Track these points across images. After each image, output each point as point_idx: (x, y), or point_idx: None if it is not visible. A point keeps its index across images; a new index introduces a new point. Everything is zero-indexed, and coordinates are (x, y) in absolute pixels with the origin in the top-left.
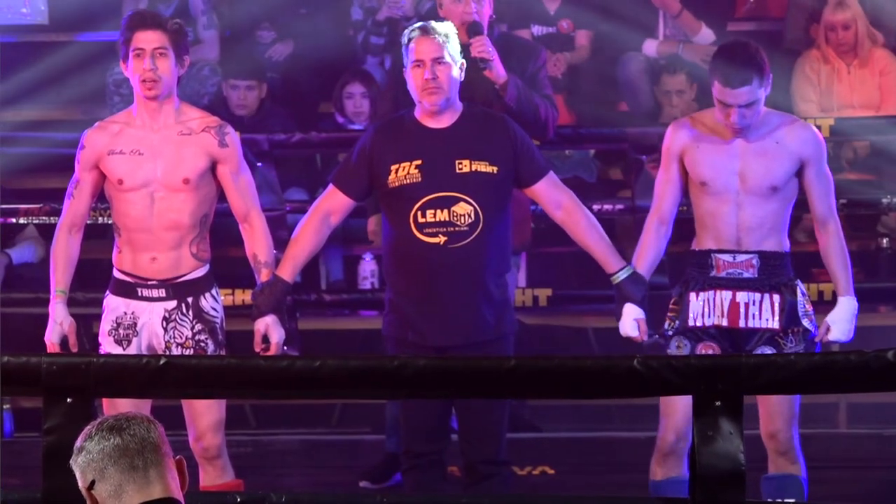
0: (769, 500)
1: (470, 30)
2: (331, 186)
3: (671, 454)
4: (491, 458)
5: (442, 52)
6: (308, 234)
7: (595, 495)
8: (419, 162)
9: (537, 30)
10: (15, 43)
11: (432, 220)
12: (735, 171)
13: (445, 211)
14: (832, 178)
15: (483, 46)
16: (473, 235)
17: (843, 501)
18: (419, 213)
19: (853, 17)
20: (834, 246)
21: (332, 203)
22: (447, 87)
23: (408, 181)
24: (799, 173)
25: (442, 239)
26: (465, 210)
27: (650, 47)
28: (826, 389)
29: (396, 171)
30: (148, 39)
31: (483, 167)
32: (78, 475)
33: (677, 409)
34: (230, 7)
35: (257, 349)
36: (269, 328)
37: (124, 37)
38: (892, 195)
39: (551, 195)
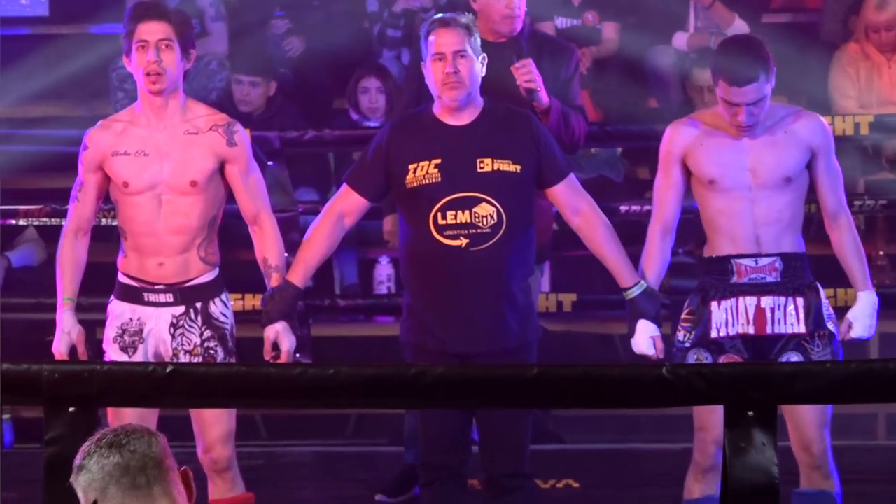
0: None
1: (510, 46)
2: (345, 186)
3: (710, 471)
4: (514, 471)
5: (464, 45)
6: (321, 237)
7: None
8: (438, 161)
9: (561, 22)
10: (13, 35)
11: (453, 221)
12: (745, 166)
13: (467, 212)
14: (841, 171)
15: (529, 75)
16: (496, 238)
17: None
18: (439, 214)
19: None
20: (847, 240)
21: (347, 204)
22: (469, 81)
23: (427, 181)
24: (808, 165)
25: (463, 241)
26: (487, 211)
27: (680, 40)
28: (864, 399)
29: (415, 170)
30: (152, 31)
31: (506, 166)
32: (80, 495)
33: (715, 422)
34: None
35: (267, 357)
36: (280, 335)
37: (127, 29)
38: None
39: (570, 199)
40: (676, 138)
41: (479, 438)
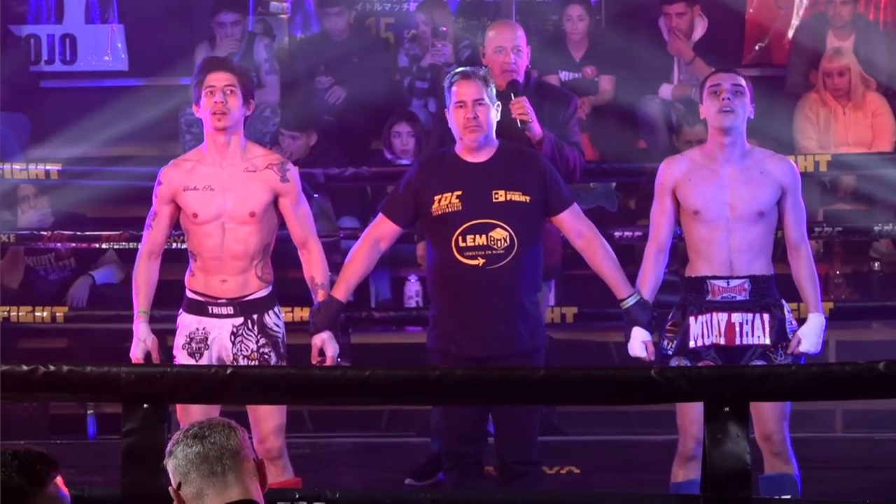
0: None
1: (509, 87)
2: (380, 215)
3: (692, 459)
4: (524, 459)
5: (482, 95)
6: (360, 258)
7: (616, 492)
8: (460, 192)
9: (565, 75)
10: (99, 87)
11: (472, 244)
12: (725, 200)
13: (484, 236)
14: (805, 208)
15: (523, 108)
16: (509, 258)
17: (836, 499)
18: (460, 238)
19: (847, 65)
20: (805, 268)
21: (382, 230)
22: (486, 125)
23: (450, 210)
24: (778, 202)
25: (481, 261)
26: (501, 235)
27: (666, 91)
28: (823, 397)
29: (439, 200)
30: (219, 79)
31: (517, 196)
32: (170, 475)
33: (694, 420)
34: (290, 55)
35: (314, 362)
36: (325, 343)
37: (197, 79)
38: (883, 224)
39: (573, 225)
40: (668, 172)
41: (493, 431)
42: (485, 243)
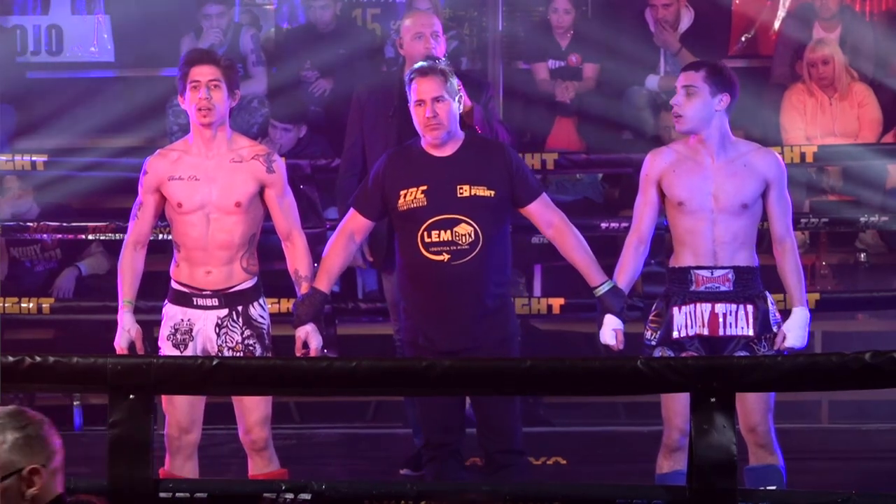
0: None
1: None
2: (351, 210)
3: (677, 450)
4: (507, 448)
5: (441, 91)
6: (337, 251)
7: (603, 483)
8: (425, 187)
9: (552, 63)
10: (85, 78)
11: (437, 239)
12: (709, 191)
13: (448, 231)
14: (790, 202)
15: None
16: (474, 253)
17: (822, 489)
18: (425, 233)
19: (831, 54)
20: (790, 262)
21: (354, 224)
22: (447, 122)
23: (415, 205)
24: (763, 195)
25: (446, 257)
26: (465, 230)
27: (652, 82)
28: (810, 387)
29: (405, 195)
30: (203, 73)
31: (482, 191)
32: None
33: (679, 412)
34: (276, 46)
35: (298, 354)
36: (309, 335)
37: (182, 72)
38: (869, 215)
39: (542, 215)
40: (654, 164)
41: (476, 421)
42: (449, 238)
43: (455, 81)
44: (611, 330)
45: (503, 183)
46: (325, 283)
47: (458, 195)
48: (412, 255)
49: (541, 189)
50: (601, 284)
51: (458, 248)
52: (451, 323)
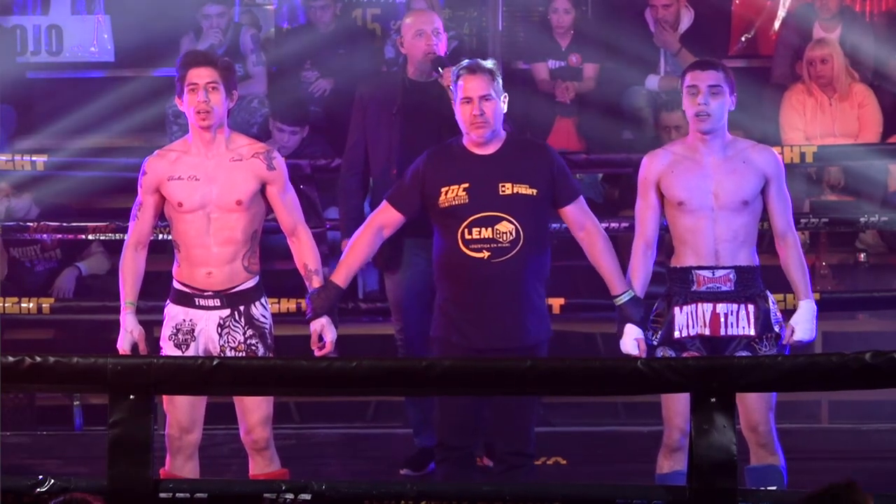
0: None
1: (435, 64)
2: (385, 203)
3: (677, 450)
4: (521, 451)
5: (489, 90)
6: (363, 244)
7: (603, 483)
8: (467, 185)
9: (552, 63)
10: (85, 78)
11: (478, 237)
12: (709, 190)
13: (489, 229)
14: (790, 198)
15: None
16: (514, 251)
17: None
18: (466, 230)
19: (830, 53)
20: (793, 256)
21: (386, 218)
22: (493, 120)
23: (456, 202)
24: (763, 191)
25: (486, 254)
26: (507, 228)
27: (652, 82)
28: (810, 387)
29: (446, 192)
30: (201, 75)
31: (524, 189)
32: None
33: (679, 412)
34: (276, 46)
35: (314, 347)
36: (324, 328)
37: (179, 73)
38: (869, 215)
39: (578, 217)
40: (651, 166)
41: (491, 421)
42: (490, 236)
43: (500, 81)
44: (632, 339)
45: (545, 182)
46: (343, 277)
47: (501, 193)
48: (452, 252)
49: (579, 191)
50: (622, 294)
51: (499, 245)
52: (488, 321)
